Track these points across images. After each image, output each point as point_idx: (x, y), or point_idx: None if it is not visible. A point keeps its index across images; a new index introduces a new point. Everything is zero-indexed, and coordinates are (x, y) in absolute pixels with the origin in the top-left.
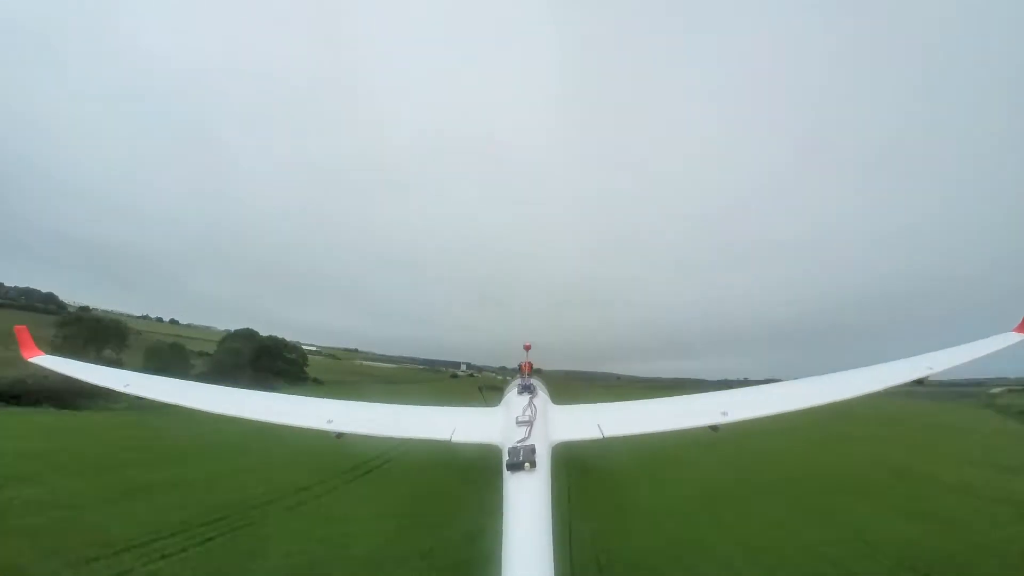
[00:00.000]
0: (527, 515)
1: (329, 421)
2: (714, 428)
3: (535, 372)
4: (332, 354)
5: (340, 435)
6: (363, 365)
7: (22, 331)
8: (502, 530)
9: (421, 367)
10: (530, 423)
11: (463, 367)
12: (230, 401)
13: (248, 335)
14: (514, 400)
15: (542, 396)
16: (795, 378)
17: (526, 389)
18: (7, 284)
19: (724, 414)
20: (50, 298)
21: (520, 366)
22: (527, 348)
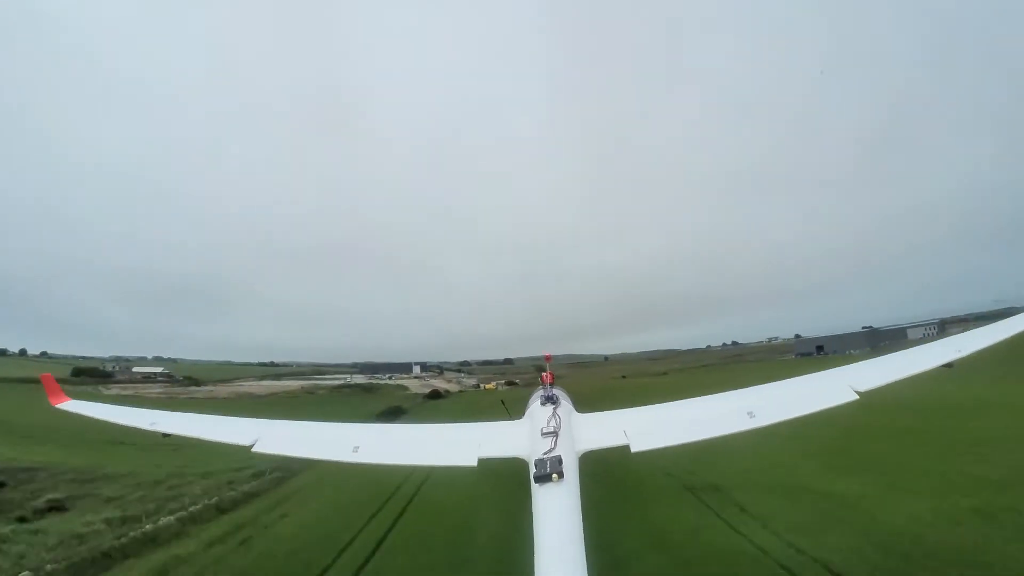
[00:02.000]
0: (557, 526)
1: (355, 449)
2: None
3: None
4: (190, 376)
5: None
6: (231, 392)
7: (48, 379)
8: (533, 543)
9: (346, 379)
10: (555, 433)
11: (416, 369)
12: (263, 432)
13: None
14: (538, 411)
15: (565, 406)
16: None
17: (549, 400)
18: None
19: (751, 416)
20: None
21: (541, 377)
22: (547, 359)
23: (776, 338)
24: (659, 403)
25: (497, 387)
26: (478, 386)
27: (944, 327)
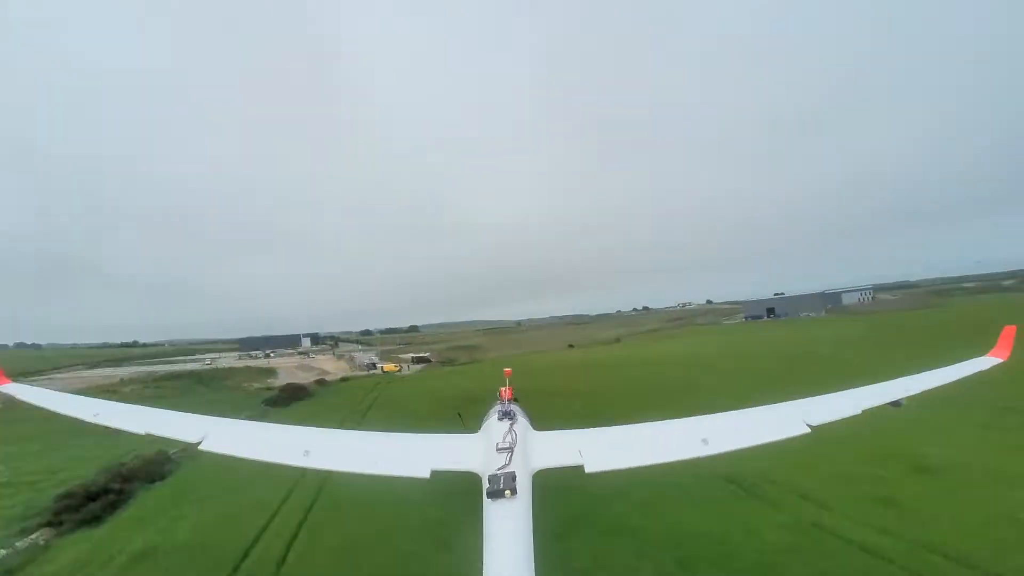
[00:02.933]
0: (508, 543)
1: (306, 453)
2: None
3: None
4: None
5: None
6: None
7: None
8: (483, 558)
9: (208, 361)
10: (510, 449)
11: (306, 341)
12: (204, 429)
13: None
14: (494, 426)
15: (522, 422)
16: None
17: (506, 415)
18: None
19: (705, 442)
20: None
21: (499, 392)
22: (507, 374)
23: (689, 303)
24: (614, 425)
25: (403, 368)
26: (373, 366)
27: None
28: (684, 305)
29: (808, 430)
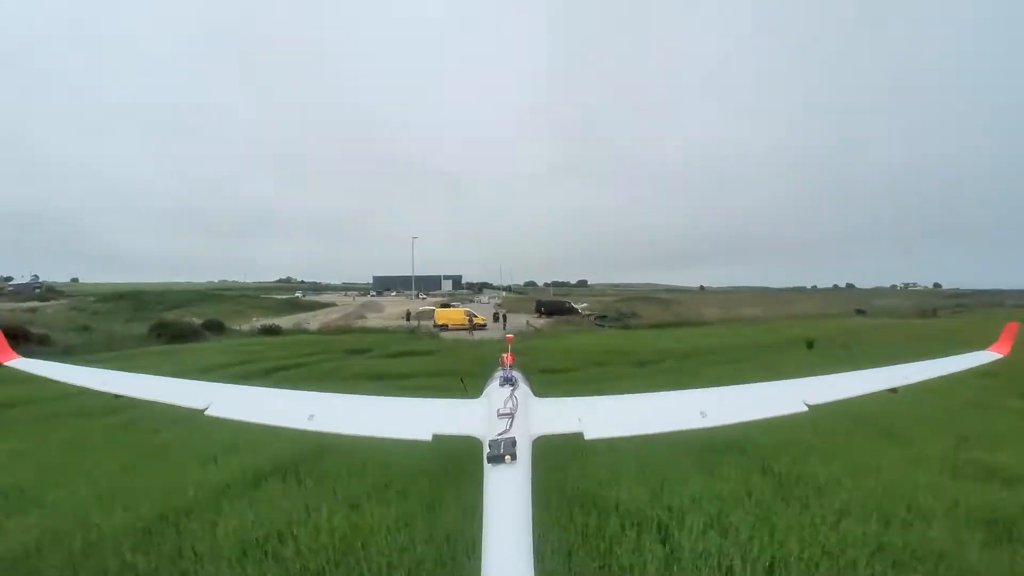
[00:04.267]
0: (507, 507)
1: (310, 417)
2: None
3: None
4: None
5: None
6: None
7: None
8: (482, 521)
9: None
10: (511, 415)
11: (447, 284)
12: (216, 396)
13: None
14: (495, 392)
15: (523, 388)
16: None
17: (507, 381)
18: None
19: (703, 415)
20: None
21: (501, 358)
22: (510, 340)
23: (915, 284)
24: (613, 395)
25: (493, 319)
26: (470, 321)
27: None
28: (908, 286)
29: (806, 409)
